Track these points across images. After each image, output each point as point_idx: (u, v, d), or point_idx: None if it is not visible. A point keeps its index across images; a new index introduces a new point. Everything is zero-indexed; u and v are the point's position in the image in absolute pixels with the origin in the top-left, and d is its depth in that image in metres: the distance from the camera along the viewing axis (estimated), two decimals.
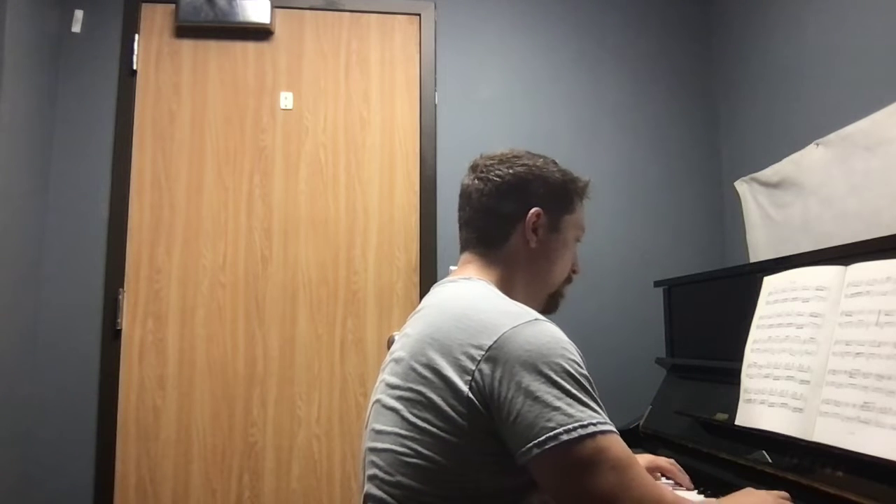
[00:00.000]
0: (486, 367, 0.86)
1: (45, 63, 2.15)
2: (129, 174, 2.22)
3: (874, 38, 1.72)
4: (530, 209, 1.05)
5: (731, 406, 1.33)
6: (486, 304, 0.95)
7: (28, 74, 2.02)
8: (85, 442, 2.10)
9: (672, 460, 1.39)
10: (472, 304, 0.95)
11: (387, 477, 0.90)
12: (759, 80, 2.22)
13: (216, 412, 2.17)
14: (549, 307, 1.13)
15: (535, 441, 0.81)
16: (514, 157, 1.10)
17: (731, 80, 2.40)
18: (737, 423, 1.30)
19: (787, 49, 2.07)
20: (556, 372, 0.84)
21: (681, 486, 1.34)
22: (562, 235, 1.09)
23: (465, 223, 1.10)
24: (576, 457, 0.81)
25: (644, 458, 1.34)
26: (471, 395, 0.86)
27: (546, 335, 0.87)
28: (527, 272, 1.07)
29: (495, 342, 0.86)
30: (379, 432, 0.94)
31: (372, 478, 0.93)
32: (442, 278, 2.33)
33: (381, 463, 0.92)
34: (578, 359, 0.88)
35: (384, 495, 0.90)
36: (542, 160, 1.11)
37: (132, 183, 2.22)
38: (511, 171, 1.07)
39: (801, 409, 1.15)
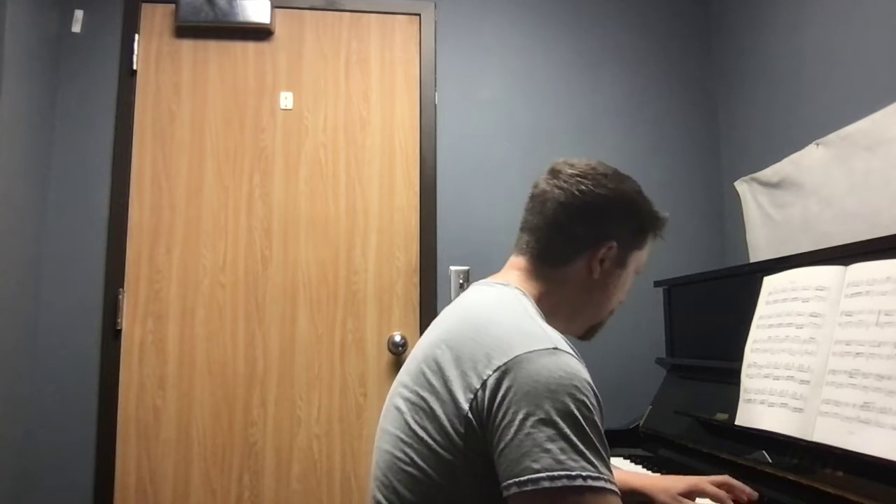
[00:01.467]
0: (489, 389, 0.80)
1: (45, 63, 2.15)
2: (129, 174, 2.22)
3: (874, 38, 1.72)
4: (604, 239, 0.98)
5: (731, 406, 1.33)
6: (509, 320, 0.88)
7: (28, 74, 2.02)
8: (85, 442, 2.10)
9: (725, 476, 1.19)
10: (494, 316, 0.89)
11: (384, 479, 0.90)
12: (759, 80, 2.22)
13: (216, 412, 2.17)
14: (586, 335, 1.08)
15: (517, 479, 0.75)
16: (603, 174, 1.01)
17: (731, 80, 2.40)
18: (737, 423, 1.30)
19: (787, 49, 2.07)
20: (558, 411, 0.77)
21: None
22: (626, 271, 1.03)
23: (529, 228, 1.02)
24: None
25: (684, 481, 1.18)
26: (470, 414, 0.81)
27: (560, 369, 0.79)
28: (578, 299, 1.00)
29: (505, 364, 0.80)
30: (385, 432, 0.93)
31: (374, 477, 0.93)
32: (442, 278, 2.35)
33: (382, 464, 0.91)
34: (590, 401, 0.79)
35: (381, 498, 0.90)
36: (629, 185, 1.03)
37: (132, 183, 2.22)
38: (597, 191, 0.99)
39: (801, 409, 1.15)
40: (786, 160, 1.99)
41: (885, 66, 1.67)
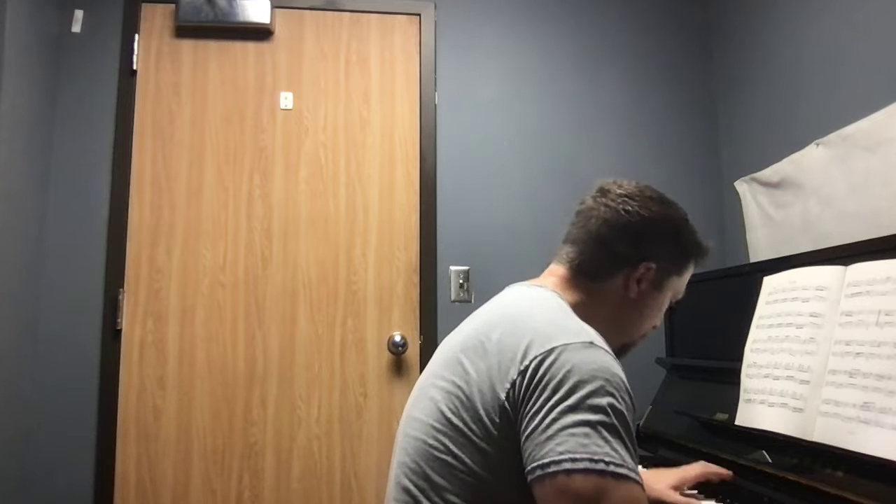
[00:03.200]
0: (526, 378, 0.82)
1: (45, 63, 2.15)
2: (129, 174, 2.22)
3: (874, 38, 1.72)
4: (644, 260, 1.01)
5: (731, 406, 1.33)
6: (547, 315, 0.91)
7: (28, 74, 2.02)
8: (85, 442, 2.10)
9: (702, 462, 1.32)
10: (533, 311, 0.93)
11: (414, 466, 0.90)
12: (759, 80, 2.22)
13: (216, 412, 2.17)
14: (618, 354, 1.09)
15: (540, 462, 0.77)
16: (650, 198, 1.04)
17: (731, 80, 2.40)
18: (737, 423, 1.30)
19: (788, 49, 2.07)
20: (587, 400, 0.78)
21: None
22: (661, 294, 1.05)
23: (571, 241, 1.05)
24: (573, 489, 0.75)
25: (673, 474, 1.28)
26: (506, 403, 0.83)
27: (594, 362, 0.82)
28: (611, 315, 1.02)
29: (542, 353, 0.83)
30: (416, 419, 0.94)
31: (401, 464, 0.93)
32: (442, 278, 2.36)
33: (411, 451, 0.92)
34: (620, 395, 0.81)
35: (409, 484, 0.90)
36: (675, 211, 1.06)
37: (132, 183, 2.22)
38: (642, 212, 1.01)
39: (801, 409, 1.15)
40: (786, 160, 1.99)
41: (885, 66, 1.67)
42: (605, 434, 0.77)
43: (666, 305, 1.08)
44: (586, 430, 0.77)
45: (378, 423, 2.21)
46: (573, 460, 0.76)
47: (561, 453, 0.76)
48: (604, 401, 0.79)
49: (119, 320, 2.15)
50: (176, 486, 2.12)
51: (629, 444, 0.79)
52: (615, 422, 0.78)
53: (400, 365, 2.24)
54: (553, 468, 0.76)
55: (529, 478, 0.79)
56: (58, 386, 2.11)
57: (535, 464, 0.78)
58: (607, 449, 0.76)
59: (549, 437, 0.78)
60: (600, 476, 0.75)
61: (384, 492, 1.01)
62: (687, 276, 1.09)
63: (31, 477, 2.06)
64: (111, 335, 2.15)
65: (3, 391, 1.91)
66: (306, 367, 2.21)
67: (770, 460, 1.22)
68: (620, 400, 0.80)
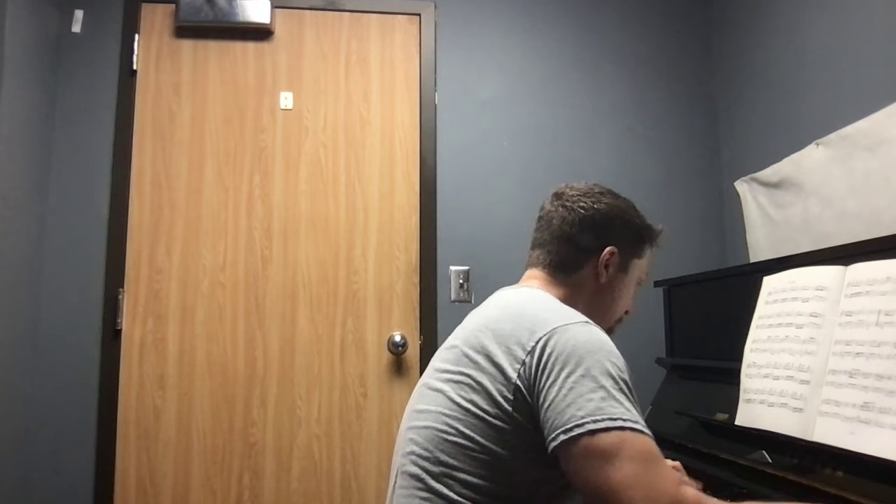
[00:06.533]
0: (535, 357, 0.91)
1: (45, 63, 2.15)
2: (129, 174, 2.22)
3: (874, 38, 1.72)
4: (607, 246, 1.11)
5: (731, 406, 1.33)
6: (543, 305, 1.01)
7: (28, 74, 2.02)
8: (85, 442, 2.10)
9: (676, 463, 1.38)
10: (530, 304, 1.02)
11: (424, 453, 0.94)
12: (759, 81, 2.22)
13: (216, 412, 2.17)
14: None
15: (563, 428, 0.84)
16: (600, 193, 1.15)
17: (731, 80, 2.40)
18: (737, 423, 1.30)
19: (788, 49, 2.07)
20: (596, 368, 0.87)
21: None
22: (628, 277, 1.16)
23: (539, 244, 1.16)
24: (598, 445, 0.82)
25: None
26: (518, 381, 0.91)
27: (593, 337, 0.92)
28: (589, 303, 1.12)
29: (545, 334, 0.92)
30: (421, 412, 0.99)
31: (409, 454, 0.97)
32: (442, 278, 2.36)
33: (419, 440, 0.96)
34: (621, 364, 0.91)
35: (419, 470, 0.93)
36: (623, 201, 1.17)
37: (132, 183, 2.22)
38: (596, 206, 1.13)
39: (801, 409, 1.15)
40: (786, 160, 1.99)
41: (885, 66, 1.67)
42: (617, 395, 0.86)
43: (633, 289, 1.19)
44: (602, 394, 0.85)
45: (378, 423, 2.21)
46: (595, 421, 0.83)
47: (582, 417, 0.84)
48: (610, 368, 0.88)
49: (119, 320, 2.15)
50: (176, 486, 2.12)
51: (634, 404, 0.88)
52: (621, 385, 0.88)
53: (400, 365, 2.24)
54: (577, 430, 0.83)
55: (553, 445, 0.85)
56: (58, 386, 2.11)
57: (557, 430, 0.85)
58: (621, 409, 0.85)
59: (569, 405, 0.85)
60: (620, 431, 0.83)
61: (384, 492, 1.03)
62: (647, 259, 1.19)
63: (31, 477, 2.06)
64: (111, 335, 2.15)
65: (3, 391, 1.91)
66: (306, 367, 2.21)
67: (770, 460, 1.22)
68: (621, 367, 0.90)
